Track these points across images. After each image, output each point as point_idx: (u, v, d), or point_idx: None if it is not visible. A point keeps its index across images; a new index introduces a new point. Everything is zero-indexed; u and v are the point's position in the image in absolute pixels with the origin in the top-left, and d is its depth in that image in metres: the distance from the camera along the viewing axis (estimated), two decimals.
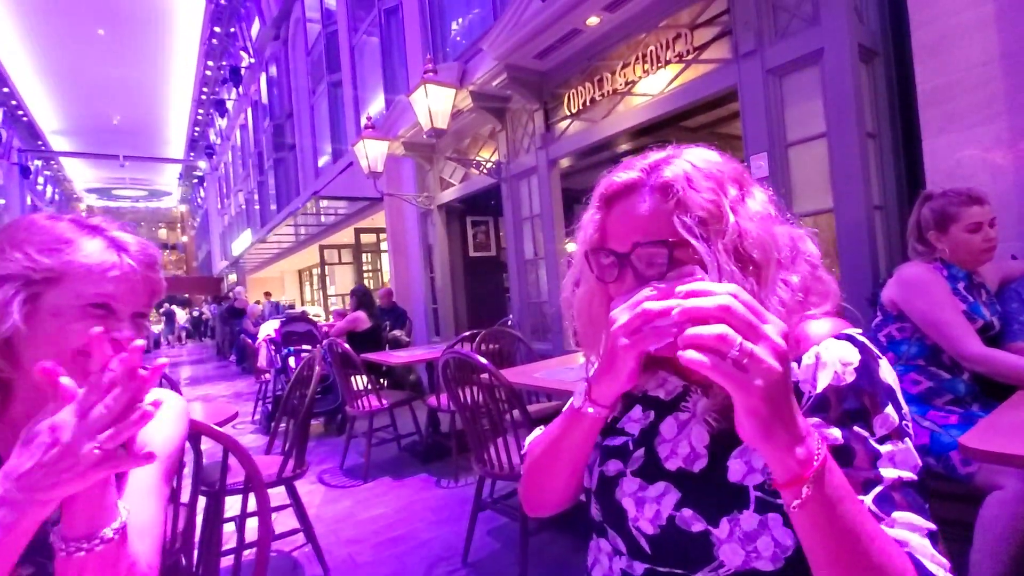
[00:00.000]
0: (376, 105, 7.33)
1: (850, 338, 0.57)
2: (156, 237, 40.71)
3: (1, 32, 15.61)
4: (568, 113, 3.71)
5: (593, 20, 3.18)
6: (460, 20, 5.37)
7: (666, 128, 3.47)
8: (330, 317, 8.81)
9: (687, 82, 2.90)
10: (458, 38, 5.38)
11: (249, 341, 5.70)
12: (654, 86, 3.11)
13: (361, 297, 4.63)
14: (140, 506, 0.67)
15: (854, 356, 0.55)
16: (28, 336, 0.63)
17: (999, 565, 1.20)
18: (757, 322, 0.42)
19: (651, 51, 3.06)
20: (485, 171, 4.50)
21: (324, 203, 7.97)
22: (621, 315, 0.52)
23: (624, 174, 0.62)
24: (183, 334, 19.85)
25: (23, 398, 0.69)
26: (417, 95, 4.02)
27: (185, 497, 1.22)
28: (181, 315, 20.47)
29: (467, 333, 3.66)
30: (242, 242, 16.53)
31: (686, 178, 0.57)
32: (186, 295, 26.10)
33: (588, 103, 3.53)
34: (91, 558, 0.55)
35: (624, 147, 3.75)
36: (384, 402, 3.33)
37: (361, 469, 3.26)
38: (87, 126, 23.62)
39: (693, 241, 0.55)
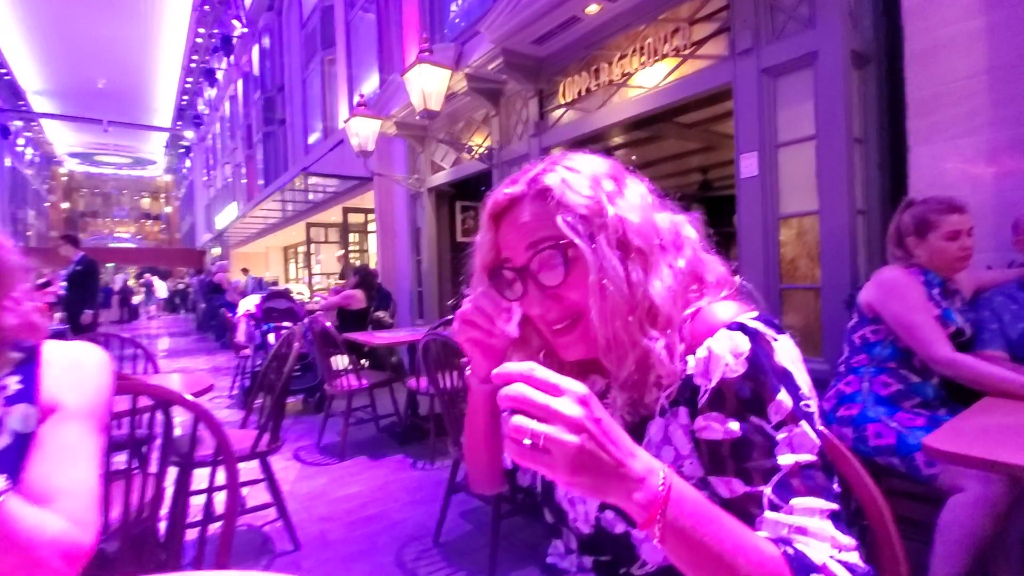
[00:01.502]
0: (370, 83, 7.21)
1: (742, 327, 0.56)
2: (139, 206, 39.90)
3: None
4: (563, 102, 3.69)
5: (593, 8, 3.15)
6: (459, 1, 5.29)
7: (660, 122, 3.47)
8: (314, 296, 8.73)
9: (683, 77, 2.90)
10: (456, 19, 5.30)
11: (229, 315, 5.63)
12: (650, 79, 3.10)
13: (364, 277, 4.59)
14: (58, 467, 0.66)
15: (745, 345, 0.54)
16: None
17: (958, 566, 1.23)
18: (548, 400, 0.42)
19: (649, 43, 3.05)
20: (477, 156, 4.47)
21: (313, 180, 7.86)
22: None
23: (507, 188, 0.63)
24: (162, 304, 19.56)
25: None
26: (412, 74, 3.96)
27: (154, 467, 1.21)
28: (160, 286, 20.15)
29: (450, 317, 3.65)
30: (227, 215, 16.27)
31: (563, 181, 0.60)
32: (167, 267, 25.67)
33: (583, 92, 3.51)
34: None
35: (617, 139, 3.75)
36: (364, 382, 3.32)
37: (338, 448, 3.25)
38: (71, 88, 22.93)
39: (574, 238, 0.57)
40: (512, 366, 0.44)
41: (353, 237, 8.97)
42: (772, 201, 2.48)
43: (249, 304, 5.34)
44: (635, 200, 0.61)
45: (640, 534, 0.58)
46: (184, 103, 24.28)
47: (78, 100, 23.78)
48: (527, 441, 0.41)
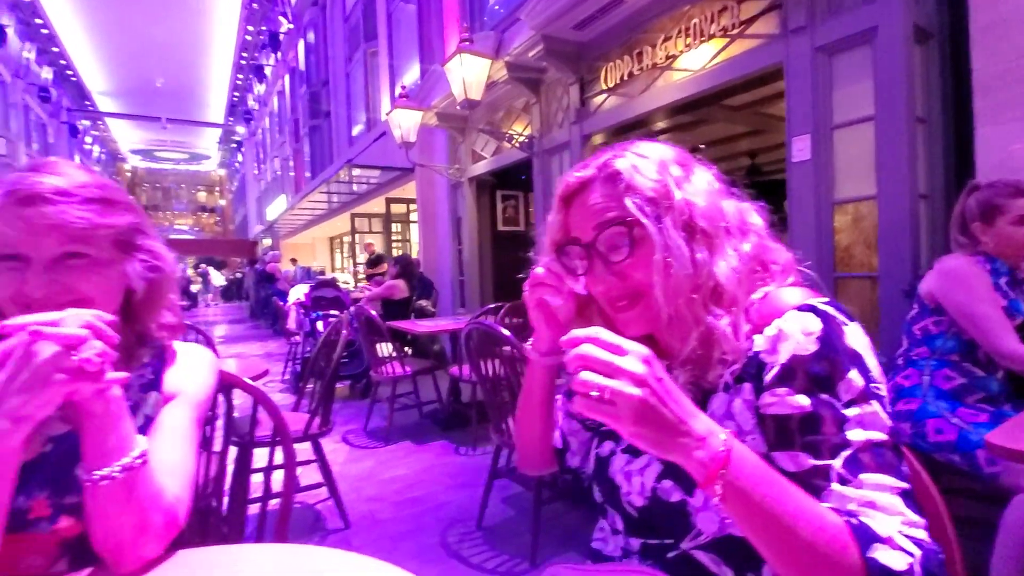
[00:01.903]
0: (411, 74, 7.29)
1: (812, 308, 0.57)
2: (195, 199, 41.89)
3: None
4: (605, 87, 3.63)
5: None
6: None
7: (706, 106, 3.37)
8: (358, 284, 8.97)
9: (731, 58, 2.80)
10: (496, 7, 5.28)
11: (280, 303, 5.87)
12: (696, 61, 3.01)
13: (404, 267, 4.70)
14: (170, 446, 0.72)
15: (816, 326, 0.56)
16: None
17: (1019, 568, 1.18)
18: (612, 358, 0.46)
19: (695, 24, 2.96)
20: (517, 145, 4.47)
21: (356, 172, 8.05)
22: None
23: (578, 172, 0.67)
24: (218, 293, 20.54)
25: None
26: (452, 64, 3.98)
27: (217, 447, 1.29)
28: (216, 276, 21.16)
29: (491, 306, 3.70)
30: (276, 207, 16.88)
31: (632, 165, 0.63)
32: (222, 258, 26.90)
33: (626, 77, 3.44)
34: (114, 486, 0.60)
35: (661, 124, 3.66)
36: (407, 369, 3.41)
37: (383, 432, 3.36)
38: (132, 88, 24.19)
39: (642, 218, 0.60)
40: (579, 331, 0.48)
41: (396, 227, 9.16)
42: (826, 186, 2.37)
43: (299, 293, 5.56)
44: (701, 185, 0.63)
45: (697, 502, 0.59)
46: (235, 99, 25.21)
47: (138, 99, 25.07)
48: (594, 393, 0.45)
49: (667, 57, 3.16)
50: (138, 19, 17.80)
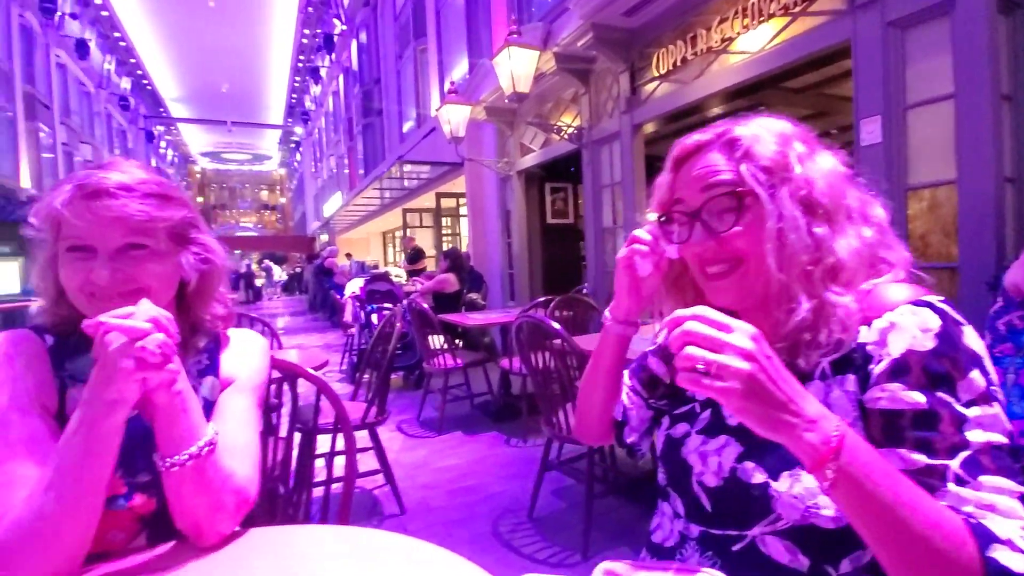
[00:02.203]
0: (460, 69, 7.36)
1: (930, 305, 0.55)
2: (258, 198, 44.03)
3: (127, 8, 17.18)
4: (656, 74, 3.54)
5: None
6: None
7: (765, 89, 3.22)
8: (396, 279, 9.19)
9: (792, 37, 2.66)
10: None
11: (337, 297, 6.11)
12: (754, 43, 2.88)
13: (454, 260, 4.78)
14: (235, 431, 0.77)
15: (934, 322, 0.53)
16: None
17: None
18: (718, 334, 0.46)
19: (753, 3, 2.83)
20: (566, 136, 4.43)
21: (407, 167, 8.22)
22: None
23: (697, 136, 0.66)
24: (280, 287, 21.57)
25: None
26: (500, 58, 3.99)
27: (283, 433, 1.36)
28: (277, 271, 22.22)
29: (541, 299, 3.70)
30: (333, 204, 17.50)
31: (753, 134, 0.62)
32: (283, 253, 28.21)
33: (679, 63, 3.34)
34: (184, 472, 0.65)
35: (716, 110, 3.53)
36: (459, 361, 3.47)
37: (436, 422, 3.45)
38: (200, 94, 25.70)
39: (755, 186, 0.59)
40: (683, 311, 0.48)
41: (446, 221, 9.30)
42: (899, 170, 2.22)
43: (354, 287, 5.75)
44: (825, 166, 0.62)
45: (781, 486, 0.57)
46: (293, 101, 26.28)
47: (206, 104, 26.59)
48: (700, 367, 0.45)
49: (723, 40, 3.04)
50: (205, 29, 18.83)
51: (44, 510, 0.58)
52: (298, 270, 21.54)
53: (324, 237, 21.02)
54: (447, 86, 5.19)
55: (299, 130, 28.02)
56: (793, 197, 0.59)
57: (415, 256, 7.84)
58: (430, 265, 8.75)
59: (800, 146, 0.62)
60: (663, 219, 0.69)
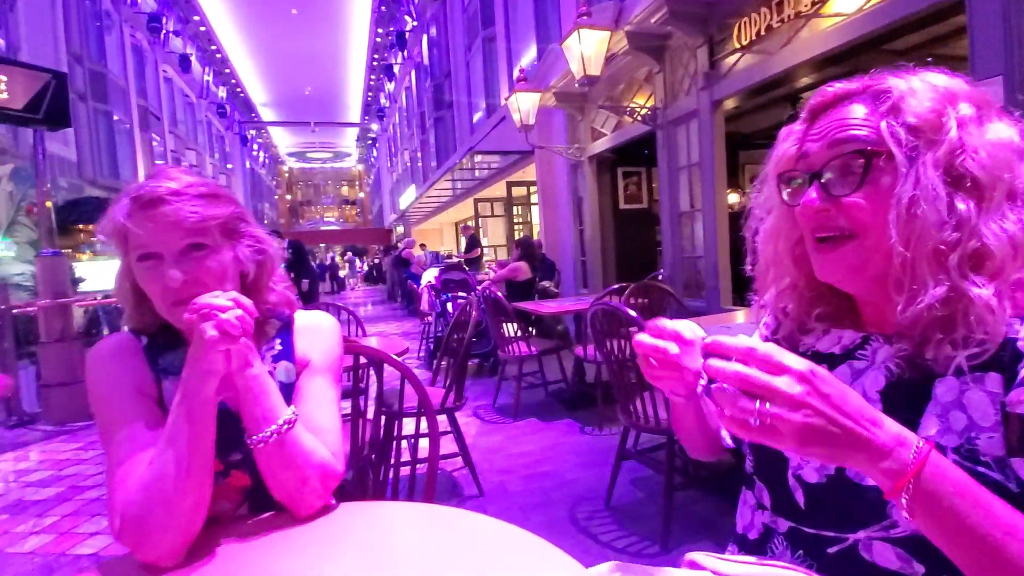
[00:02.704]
0: (528, 56, 7.32)
1: None
2: (340, 194, 46.43)
3: (221, 21, 18.62)
4: (737, 46, 3.34)
5: None
6: None
7: (863, 55, 2.94)
8: (483, 267, 9.35)
9: None
10: None
11: (414, 286, 6.34)
12: (850, 3, 2.64)
13: (526, 248, 4.82)
14: (315, 410, 0.84)
15: None
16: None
17: None
18: (767, 380, 0.42)
19: None
20: (639, 118, 4.30)
21: (478, 158, 8.34)
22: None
23: (842, 84, 0.58)
24: (361, 277, 22.73)
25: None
26: (570, 41, 3.92)
27: (370, 415, 1.44)
28: (358, 262, 23.41)
29: (616, 286, 3.64)
30: (407, 197, 18.10)
31: (909, 87, 0.54)
32: (363, 245, 29.64)
33: (763, 32, 3.13)
34: (269, 448, 0.74)
35: (805, 80, 3.28)
36: (533, 349, 3.50)
37: (511, 409, 3.50)
38: (286, 98, 27.40)
39: (891, 144, 0.52)
40: (729, 341, 0.44)
41: (517, 210, 9.35)
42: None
43: (430, 276, 5.94)
44: (995, 135, 0.52)
45: None
46: (369, 99, 27.36)
47: (291, 107, 28.29)
48: (755, 421, 0.42)
49: (813, 3, 2.80)
50: (289, 37, 20.02)
51: (163, 471, 0.67)
52: (377, 261, 22.57)
53: (400, 229, 21.84)
54: (516, 74, 5.18)
55: (375, 127, 29.17)
56: (938, 164, 0.50)
57: (471, 244, 8.02)
58: (501, 254, 8.82)
59: (968, 108, 0.52)
60: (783, 177, 0.60)
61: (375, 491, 1.46)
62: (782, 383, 0.42)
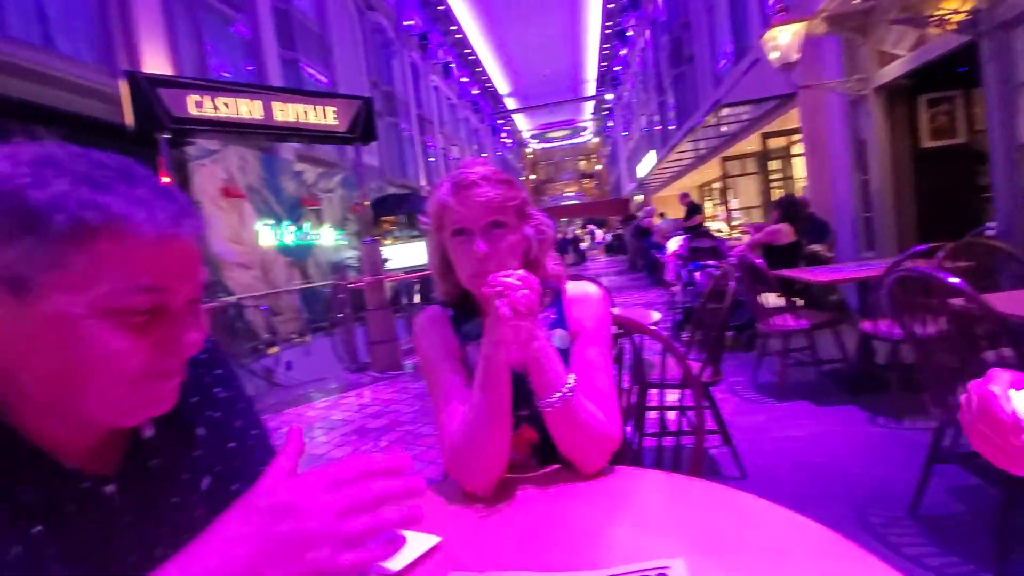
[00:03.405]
0: None
1: None
2: (578, 168, 48.08)
3: (471, 28, 20.90)
4: None
5: None
6: None
7: None
8: (733, 232, 8.59)
9: None
10: None
11: (658, 256, 6.19)
12: None
13: (787, 208, 4.26)
14: (591, 377, 0.89)
15: None
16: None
17: None
18: None
19: None
20: (953, 27, 3.29)
21: (725, 111, 7.59)
22: None
23: None
24: (602, 248, 23.28)
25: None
26: None
27: (627, 386, 1.47)
28: (598, 234, 23.96)
29: (921, 247, 2.92)
30: (645, 164, 17.69)
31: None
32: (601, 217, 30.19)
33: None
34: (555, 412, 0.82)
35: None
36: (803, 322, 3.08)
37: (774, 388, 3.16)
38: (526, 84, 29.38)
39: None
40: None
41: (773, 164, 8.25)
42: None
43: (675, 245, 5.72)
44: None
45: None
46: (603, 70, 27.37)
47: (532, 92, 30.22)
48: None
49: None
50: (527, 26, 21.33)
51: (475, 421, 0.81)
52: (619, 231, 22.77)
53: (639, 198, 21.52)
54: (772, 3, 4.50)
55: (609, 96, 29.10)
56: None
57: (691, 211, 7.56)
58: (755, 216, 7.96)
59: None
60: None
61: (632, 461, 1.49)
62: None
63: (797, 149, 6.79)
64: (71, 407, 0.44)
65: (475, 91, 26.01)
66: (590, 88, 31.33)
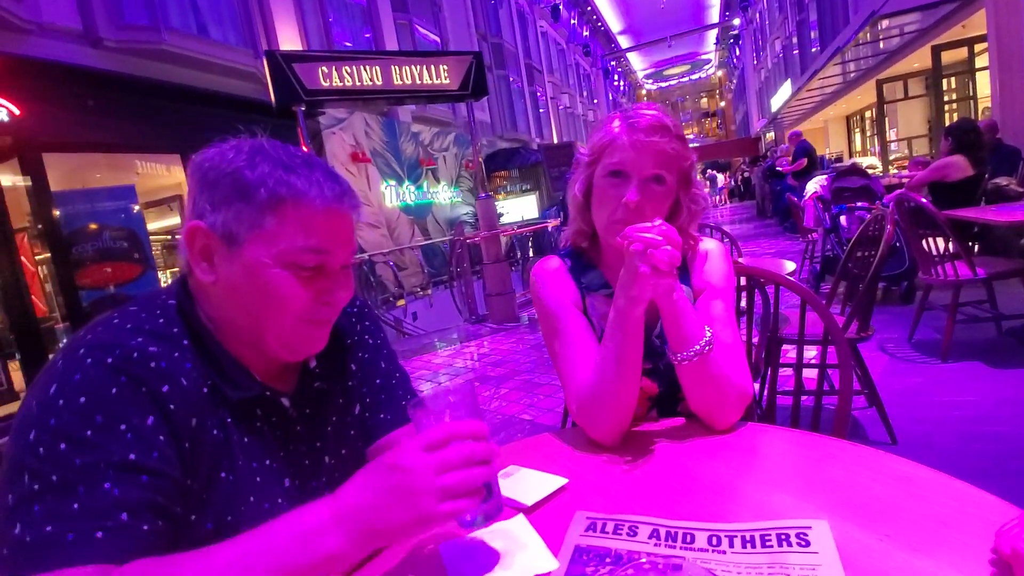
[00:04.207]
0: None
1: None
2: (698, 107, 44.42)
3: None
4: None
5: None
6: None
7: None
8: (890, 168, 7.46)
9: None
10: None
11: (794, 199, 5.56)
12: None
13: (960, 135, 3.56)
14: (722, 332, 0.84)
15: None
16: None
17: None
18: None
19: None
20: None
21: (884, 23, 6.43)
22: None
23: None
24: (725, 194, 21.59)
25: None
26: None
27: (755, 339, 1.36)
28: (720, 179, 22.18)
29: None
30: (780, 96, 15.81)
31: None
32: (725, 160, 27.80)
33: None
34: (691, 366, 0.78)
35: None
36: (979, 271, 2.61)
37: (937, 346, 2.75)
38: (640, 19, 27.31)
39: None
40: None
41: (947, 83, 6.92)
42: None
43: (815, 186, 5.10)
44: None
45: None
46: None
47: (646, 27, 28.07)
48: None
49: None
50: None
51: (604, 372, 0.79)
52: (746, 174, 20.88)
53: (771, 135, 19.41)
54: None
55: (736, 22, 26.11)
56: None
57: (799, 154, 6.81)
58: (919, 148, 6.81)
59: None
60: None
61: (761, 419, 1.40)
62: None
63: (981, 62, 5.57)
64: (257, 337, 0.59)
65: (585, 32, 24.74)
66: (713, 15, 28.32)
